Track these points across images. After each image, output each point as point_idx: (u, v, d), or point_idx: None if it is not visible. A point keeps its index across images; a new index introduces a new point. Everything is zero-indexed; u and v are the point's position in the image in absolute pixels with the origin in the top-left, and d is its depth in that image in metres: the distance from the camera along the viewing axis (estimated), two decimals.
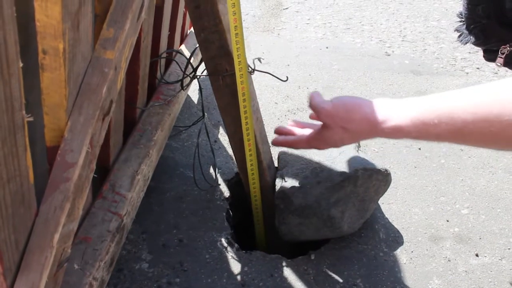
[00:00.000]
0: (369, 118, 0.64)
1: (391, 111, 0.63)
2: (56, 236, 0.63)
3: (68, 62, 0.63)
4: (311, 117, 0.86)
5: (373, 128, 0.65)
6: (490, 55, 0.77)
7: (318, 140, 0.78)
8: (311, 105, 0.75)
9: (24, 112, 0.52)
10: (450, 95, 0.56)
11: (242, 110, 1.00)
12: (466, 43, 0.82)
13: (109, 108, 0.74)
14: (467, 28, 0.77)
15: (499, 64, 0.75)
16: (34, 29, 0.60)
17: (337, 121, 0.70)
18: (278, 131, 0.98)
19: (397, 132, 0.62)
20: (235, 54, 0.92)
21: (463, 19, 0.77)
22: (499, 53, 0.73)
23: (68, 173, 0.65)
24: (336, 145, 0.76)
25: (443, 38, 2.19)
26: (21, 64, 0.49)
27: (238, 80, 0.96)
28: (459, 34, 0.82)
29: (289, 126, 0.99)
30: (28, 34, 0.67)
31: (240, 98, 0.98)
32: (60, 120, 0.66)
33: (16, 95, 0.50)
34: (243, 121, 1.01)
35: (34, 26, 0.60)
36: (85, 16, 0.65)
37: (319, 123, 0.79)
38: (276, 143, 0.95)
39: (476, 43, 0.78)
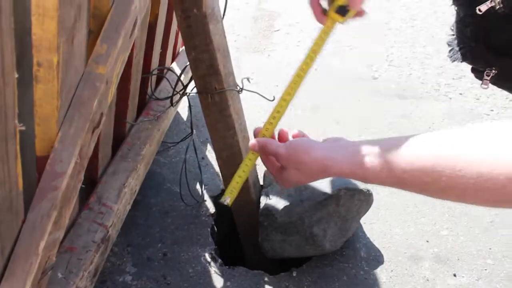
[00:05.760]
0: (318, 161, 0.68)
1: (337, 155, 0.66)
2: (42, 244, 0.65)
3: (61, 75, 0.65)
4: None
5: (324, 169, 0.67)
6: (478, 74, 0.78)
7: (281, 179, 0.76)
8: (268, 153, 0.75)
9: (16, 121, 0.54)
10: (391, 143, 0.61)
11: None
12: (454, 61, 0.82)
13: (99, 121, 0.76)
14: (457, 45, 0.78)
15: (485, 87, 0.76)
16: (30, 42, 0.63)
17: (291, 164, 0.72)
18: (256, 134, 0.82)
19: (345, 175, 0.67)
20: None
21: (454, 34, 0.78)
22: (485, 75, 0.75)
23: (57, 182, 0.67)
24: (296, 184, 0.76)
25: (428, 64, 2.25)
26: (16, 75, 0.52)
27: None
28: (450, 48, 0.82)
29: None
30: (23, 46, 0.69)
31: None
32: (51, 130, 0.68)
33: (10, 104, 0.52)
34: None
35: (30, 39, 0.62)
36: (80, 31, 0.68)
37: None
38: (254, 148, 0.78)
39: (463, 61, 0.79)
